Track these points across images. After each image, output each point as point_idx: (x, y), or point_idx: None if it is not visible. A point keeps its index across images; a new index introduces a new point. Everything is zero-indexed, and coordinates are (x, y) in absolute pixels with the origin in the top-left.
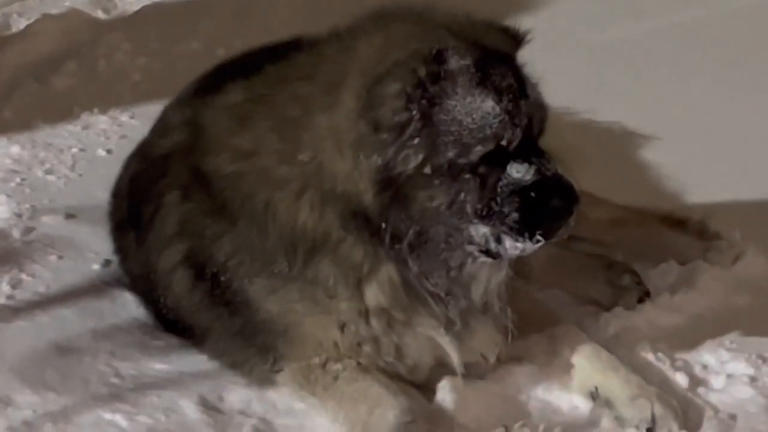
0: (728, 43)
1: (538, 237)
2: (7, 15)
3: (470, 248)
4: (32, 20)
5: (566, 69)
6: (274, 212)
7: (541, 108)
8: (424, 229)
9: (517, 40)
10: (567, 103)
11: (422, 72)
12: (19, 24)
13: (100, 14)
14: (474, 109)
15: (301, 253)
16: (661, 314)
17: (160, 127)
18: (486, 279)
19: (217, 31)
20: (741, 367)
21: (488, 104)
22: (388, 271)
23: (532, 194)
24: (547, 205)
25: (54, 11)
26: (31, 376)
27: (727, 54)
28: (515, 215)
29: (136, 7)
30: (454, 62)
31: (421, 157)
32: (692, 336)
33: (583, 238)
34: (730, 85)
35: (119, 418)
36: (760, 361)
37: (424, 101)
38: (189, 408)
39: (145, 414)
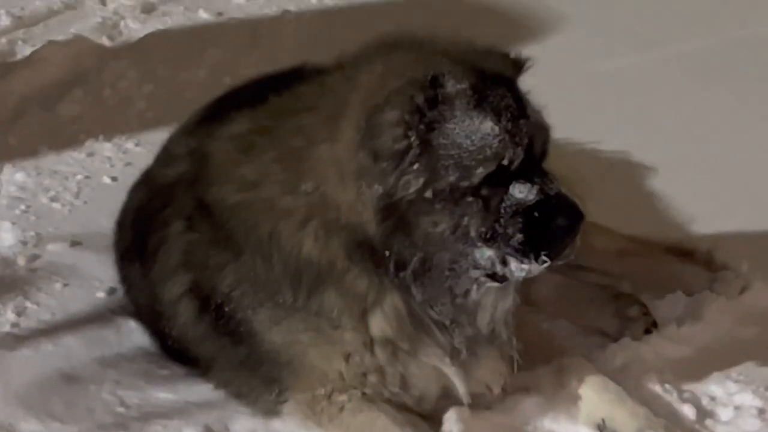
0: (734, 73)
1: (544, 257)
2: (12, 42)
3: (475, 273)
4: (37, 47)
5: (571, 99)
6: (279, 242)
7: (542, 128)
8: (428, 255)
9: (517, 65)
10: (572, 133)
11: (419, 98)
12: (25, 51)
13: (106, 41)
14: (473, 130)
15: (306, 284)
16: (668, 345)
17: (165, 157)
18: (492, 306)
19: (223, 59)
20: (749, 399)
21: (487, 125)
22: (393, 300)
23: (536, 214)
24: (551, 225)
25: (59, 38)
26: (36, 404)
27: (733, 83)
28: (519, 236)
29: (142, 35)
30: (451, 86)
31: (421, 181)
32: (699, 367)
33: (590, 268)
34: (736, 114)
35: None
36: None
37: (422, 127)
38: None
39: None
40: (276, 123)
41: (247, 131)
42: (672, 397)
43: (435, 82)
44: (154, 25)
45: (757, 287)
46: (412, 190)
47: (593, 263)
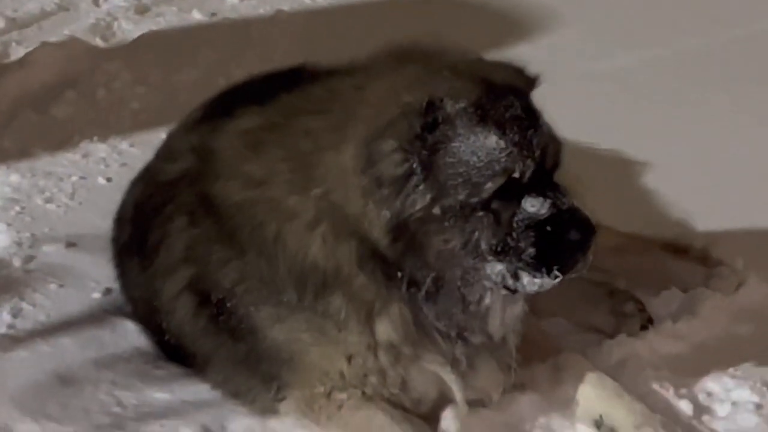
0: (727, 71)
1: (556, 272)
2: (6, 43)
3: (488, 284)
4: (31, 49)
5: (565, 98)
6: (284, 244)
7: (554, 140)
8: (440, 273)
9: (529, 80)
10: (566, 132)
11: (416, 125)
12: (18, 52)
13: (99, 42)
14: (479, 146)
15: (312, 287)
16: (664, 342)
17: (167, 153)
18: (502, 310)
19: (216, 59)
20: (746, 395)
21: (491, 139)
22: (401, 308)
23: (548, 228)
24: (563, 239)
25: (53, 40)
26: (32, 406)
27: (727, 82)
28: (532, 250)
29: (135, 36)
30: (449, 107)
31: (428, 198)
32: (696, 363)
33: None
34: (731, 112)
35: None
36: (765, 389)
37: (425, 152)
38: None
39: None
40: (285, 121)
41: (256, 127)
42: (669, 393)
43: (431, 107)
44: (148, 25)
45: (752, 283)
46: (419, 207)
47: None
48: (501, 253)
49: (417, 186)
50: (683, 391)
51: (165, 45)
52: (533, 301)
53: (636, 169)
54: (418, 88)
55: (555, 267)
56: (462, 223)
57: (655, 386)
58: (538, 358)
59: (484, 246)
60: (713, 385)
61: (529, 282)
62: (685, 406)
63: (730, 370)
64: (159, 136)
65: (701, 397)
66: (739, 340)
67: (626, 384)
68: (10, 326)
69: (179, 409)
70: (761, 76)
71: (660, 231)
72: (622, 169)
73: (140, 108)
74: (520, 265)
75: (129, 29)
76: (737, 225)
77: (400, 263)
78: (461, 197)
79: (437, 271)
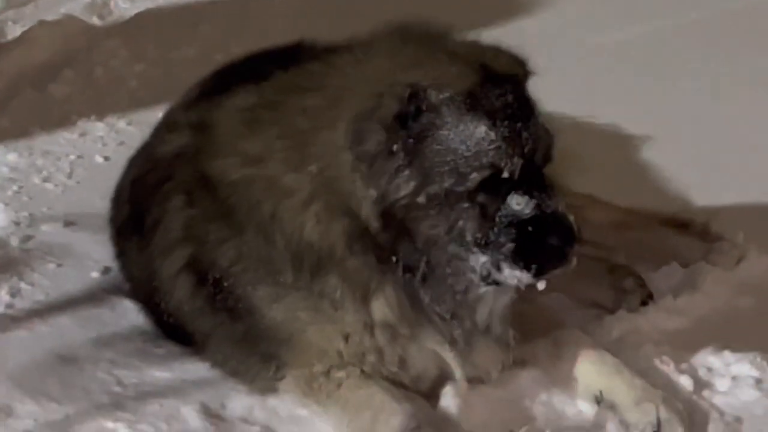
0: (728, 44)
1: (534, 270)
2: (2, 22)
3: (472, 276)
4: (27, 27)
5: (565, 71)
6: (281, 223)
7: (546, 134)
8: (429, 257)
9: (528, 69)
10: (566, 106)
11: (395, 112)
12: (15, 31)
13: (96, 21)
14: (468, 135)
15: (308, 266)
16: (664, 317)
17: (164, 131)
18: (492, 301)
19: (214, 36)
20: (746, 370)
21: (481, 129)
22: (396, 289)
23: (530, 228)
24: (543, 243)
25: (49, 18)
26: (32, 385)
27: (727, 55)
28: (511, 245)
29: (132, 14)
30: (433, 97)
31: (412, 185)
32: (696, 338)
33: (585, 241)
34: (731, 85)
35: (121, 427)
36: (765, 363)
37: (410, 140)
38: (191, 416)
39: (147, 422)
40: (282, 98)
41: (254, 105)
42: (669, 369)
43: (414, 97)
44: (144, 3)
45: (752, 257)
46: (403, 194)
47: (589, 236)
48: (485, 245)
49: (401, 171)
50: (683, 366)
51: (162, 23)
52: None
53: (635, 143)
54: (412, 70)
55: (533, 265)
56: (447, 211)
57: (656, 361)
58: (538, 334)
59: (468, 236)
60: (713, 359)
61: (509, 275)
62: (685, 381)
63: (731, 344)
64: (157, 114)
65: (701, 372)
66: (740, 314)
67: (626, 359)
68: (9, 306)
69: (179, 388)
70: (761, 49)
71: (660, 206)
72: (621, 144)
73: (138, 86)
74: (501, 257)
75: (126, 7)
76: (737, 199)
77: (393, 249)
78: (446, 185)
79: (427, 256)
